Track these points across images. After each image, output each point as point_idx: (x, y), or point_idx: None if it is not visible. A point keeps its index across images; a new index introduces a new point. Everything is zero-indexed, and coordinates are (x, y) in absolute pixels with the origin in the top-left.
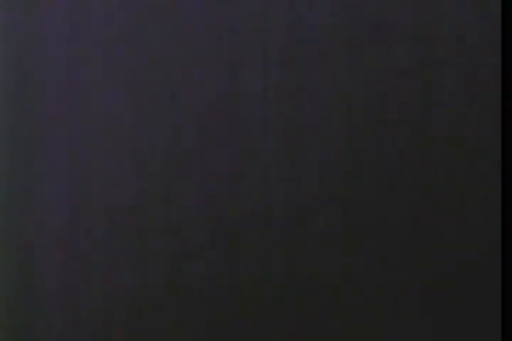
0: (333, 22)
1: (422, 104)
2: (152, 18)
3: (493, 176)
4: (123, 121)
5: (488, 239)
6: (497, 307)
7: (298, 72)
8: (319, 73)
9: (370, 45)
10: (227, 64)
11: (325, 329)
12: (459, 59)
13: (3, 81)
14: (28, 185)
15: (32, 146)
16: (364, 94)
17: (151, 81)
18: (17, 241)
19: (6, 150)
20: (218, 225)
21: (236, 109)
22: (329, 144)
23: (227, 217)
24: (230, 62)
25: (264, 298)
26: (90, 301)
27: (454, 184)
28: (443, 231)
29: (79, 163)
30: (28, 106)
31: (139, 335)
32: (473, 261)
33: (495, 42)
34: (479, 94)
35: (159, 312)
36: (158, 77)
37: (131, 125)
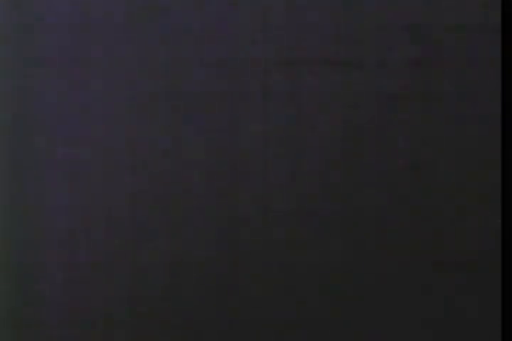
0: (333, 22)
1: (422, 104)
2: (152, 18)
3: (493, 176)
4: (123, 121)
5: (488, 238)
6: (497, 307)
7: (298, 74)
8: (319, 74)
9: (369, 45)
10: (227, 65)
11: (325, 329)
12: (459, 59)
13: (3, 81)
14: (28, 186)
15: (32, 146)
16: (364, 94)
17: (151, 81)
18: (17, 241)
19: (6, 150)
20: (218, 225)
21: (237, 109)
22: (329, 144)
23: (227, 217)
24: (230, 63)
25: (264, 297)
26: (90, 301)
27: (454, 184)
28: (443, 232)
29: (79, 162)
30: (28, 105)
31: (138, 335)
32: (473, 261)
33: (495, 41)
34: (479, 94)
35: (159, 313)
36: (158, 77)
37: (131, 125)
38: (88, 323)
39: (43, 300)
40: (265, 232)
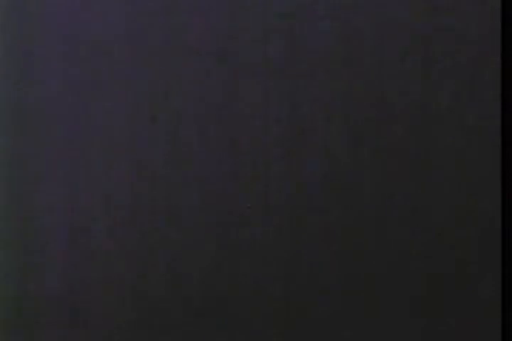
0: (332, 23)
1: (421, 104)
2: (152, 19)
3: (493, 176)
4: (123, 121)
5: (488, 238)
6: (497, 307)
7: (298, 73)
8: (319, 74)
9: (369, 44)
10: (227, 64)
11: (324, 329)
12: (458, 59)
13: (3, 82)
14: (28, 186)
15: (32, 147)
16: (364, 93)
17: (151, 81)
18: (17, 240)
19: (6, 151)
20: (218, 225)
21: (236, 109)
22: (329, 144)
23: (227, 217)
24: (230, 63)
25: (264, 297)
26: (90, 301)
27: (454, 184)
28: (443, 232)
29: (79, 163)
30: (28, 106)
31: (138, 335)
32: (474, 262)
33: (495, 42)
34: (479, 94)
35: (159, 312)
36: (158, 77)
37: (130, 125)
38: (88, 323)
39: (43, 300)
40: (265, 232)
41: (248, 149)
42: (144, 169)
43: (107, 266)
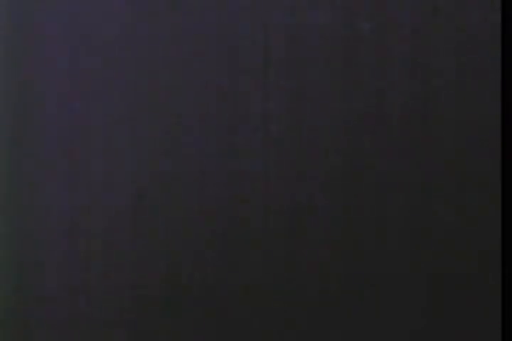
0: (333, 22)
1: (422, 103)
2: (152, 19)
3: (493, 176)
4: (123, 122)
5: (488, 238)
6: (497, 307)
7: (298, 72)
8: (319, 72)
9: (369, 44)
10: (227, 64)
11: (325, 329)
12: (459, 59)
13: (3, 82)
14: (28, 186)
15: (32, 147)
16: (364, 93)
17: (151, 81)
18: (17, 240)
19: (6, 151)
20: (218, 225)
21: (236, 110)
22: (329, 144)
23: (227, 217)
24: (230, 63)
25: (265, 298)
26: (90, 301)
27: (454, 184)
28: (443, 232)
29: (79, 163)
30: (28, 107)
31: (138, 335)
32: (473, 261)
33: (495, 42)
34: (479, 93)
35: (159, 313)
36: (158, 77)
37: (131, 125)
38: (88, 323)
39: (43, 300)
40: (265, 232)
41: (248, 149)
42: (144, 169)
43: (107, 266)
